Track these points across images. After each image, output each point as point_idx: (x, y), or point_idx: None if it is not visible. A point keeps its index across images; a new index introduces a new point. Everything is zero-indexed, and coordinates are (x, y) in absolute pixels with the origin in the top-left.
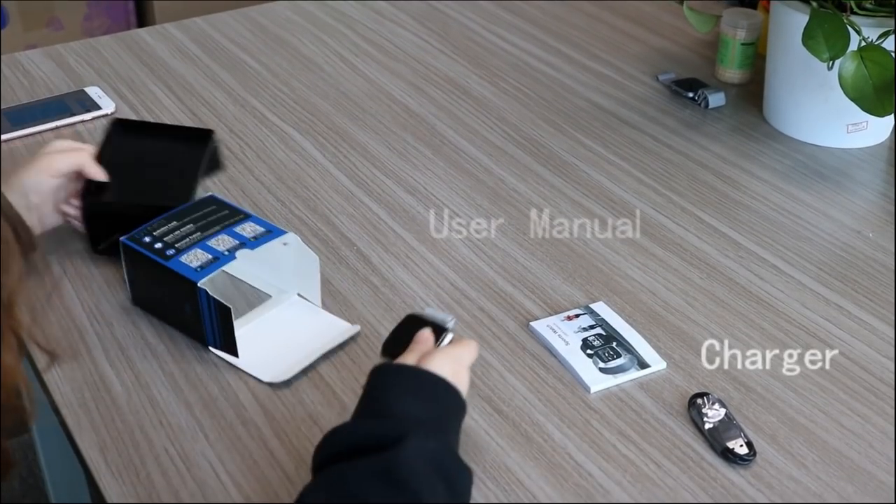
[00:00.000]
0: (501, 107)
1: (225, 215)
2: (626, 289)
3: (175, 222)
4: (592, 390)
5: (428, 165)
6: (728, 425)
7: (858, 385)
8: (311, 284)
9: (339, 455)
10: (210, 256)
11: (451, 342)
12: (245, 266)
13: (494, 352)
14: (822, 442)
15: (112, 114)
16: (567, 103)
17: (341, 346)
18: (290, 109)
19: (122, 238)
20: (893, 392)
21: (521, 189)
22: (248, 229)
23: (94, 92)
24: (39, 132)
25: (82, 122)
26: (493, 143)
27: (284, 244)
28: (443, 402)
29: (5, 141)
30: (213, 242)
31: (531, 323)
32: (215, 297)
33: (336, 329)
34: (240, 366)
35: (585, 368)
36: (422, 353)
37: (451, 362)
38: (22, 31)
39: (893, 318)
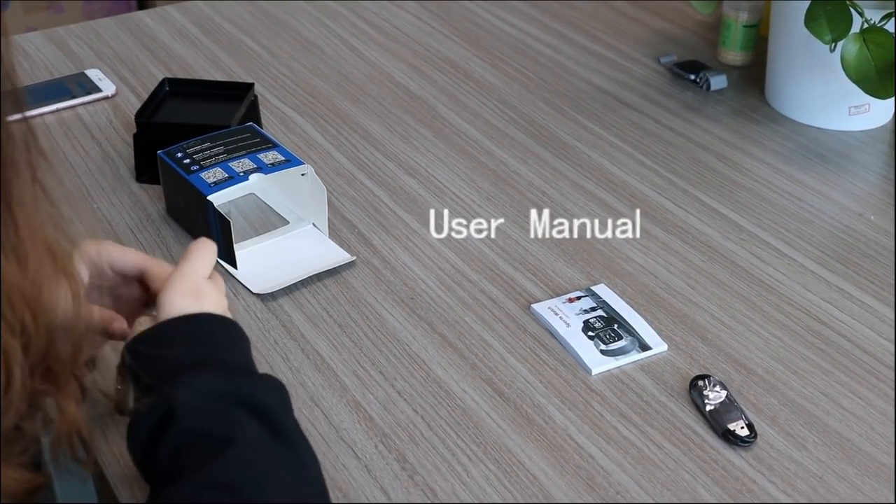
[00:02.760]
0: (503, 89)
1: (255, 143)
2: (627, 271)
3: (209, 143)
4: (594, 372)
5: (429, 148)
6: (729, 407)
7: (859, 367)
8: (322, 215)
9: (142, 456)
10: (226, 175)
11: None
12: (269, 192)
13: (495, 334)
14: (823, 424)
15: (113, 96)
16: (568, 85)
17: (331, 273)
18: (291, 92)
19: (159, 152)
20: (894, 374)
21: (523, 171)
22: (269, 157)
23: (94, 74)
24: (40, 114)
25: (83, 104)
26: (495, 125)
27: (302, 174)
28: (198, 341)
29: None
30: (234, 164)
31: (532, 305)
32: (220, 210)
33: (335, 257)
34: (236, 276)
35: (587, 350)
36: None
37: (185, 285)
38: (22, 14)
39: (894, 300)
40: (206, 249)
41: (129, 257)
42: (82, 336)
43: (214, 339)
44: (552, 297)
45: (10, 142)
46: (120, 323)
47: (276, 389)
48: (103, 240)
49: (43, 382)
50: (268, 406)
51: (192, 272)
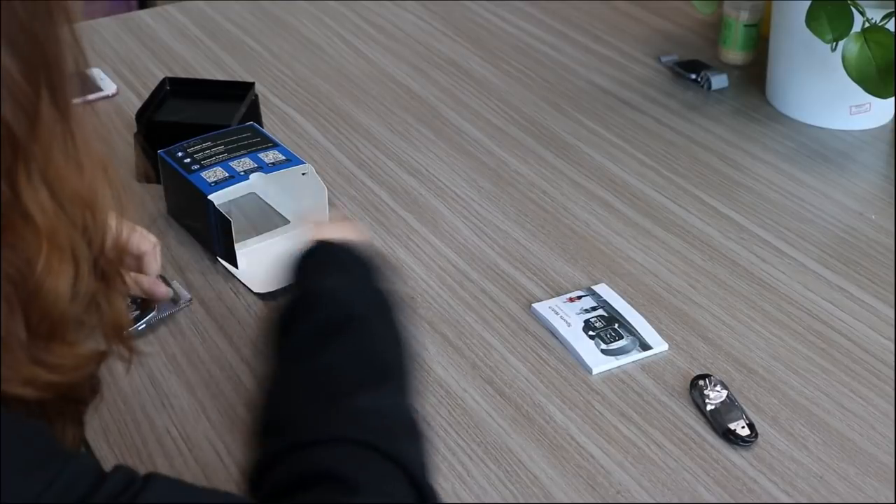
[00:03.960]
0: (503, 88)
1: (256, 142)
2: (628, 271)
3: (209, 143)
4: (594, 372)
5: (430, 147)
6: (730, 407)
7: (860, 367)
8: (322, 214)
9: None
10: (227, 174)
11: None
12: (270, 192)
13: (496, 333)
14: (824, 423)
15: (113, 95)
16: (569, 85)
17: None
18: (292, 91)
19: (159, 151)
20: (894, 374)
21: (523, 171)
22: (270, 156)
23: (95, 74)
24: None
25: (84, 103)
26: (495, 124)
27: (303, 174)
28: (353, 262)
29: None
30: (234, 164)
31: (533, 304)
32: (220, 210)
33: None
34: (236, 275)
35: (587, 350)
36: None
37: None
38: None
39: (894, 299)
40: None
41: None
42: (125, 240)
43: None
44: (553, 297)
45: (62, 50)
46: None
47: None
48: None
49: (95, 280)
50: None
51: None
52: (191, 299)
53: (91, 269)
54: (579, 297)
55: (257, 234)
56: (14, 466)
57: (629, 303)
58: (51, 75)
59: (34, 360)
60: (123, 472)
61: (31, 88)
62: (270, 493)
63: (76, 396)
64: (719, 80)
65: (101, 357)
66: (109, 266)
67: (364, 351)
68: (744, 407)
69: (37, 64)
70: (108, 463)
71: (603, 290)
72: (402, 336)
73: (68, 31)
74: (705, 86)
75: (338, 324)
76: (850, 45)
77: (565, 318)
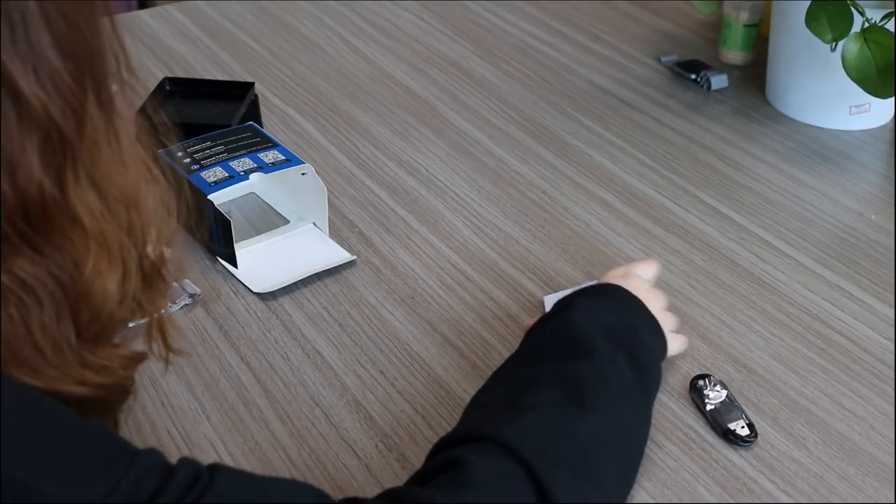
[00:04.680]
0: (503, 88)
1: (256, 142)
2: None
3: (209, 142)
4: None
5: (430, 147)
6: (729, 407)
7: (860, 367)
8: (322, 214)
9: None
10: (226, 175)
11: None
12: (269, 192)
13: (496, 333)
14: (824, 423)
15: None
16: (569, 85)
17: (332, 272)
18: (292, 91)
19: (159, 151)
20: (894, 374)
21: (523, 171)
22: (270, 156)
23: None
24: None
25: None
26: (495, 124)
27: (303, 174)
28: (619, 303)
29: None
30: (234, 164)
31: (545, 297)
32: (220, 210)
33: (335, 256)
34: (236, 275)
35: None
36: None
37: (626, 279)
38: None
39: (894, 299)
40: (653, 266)
41: None
42: (169, 240)
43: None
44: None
45: (104, 45)
46: None
47: (658, 355)
48: None
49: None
50: (642, 359)
51: (635, 273)
52: (201, 294)
53: (138, 269)
54: None
55: (257, 234)
56: (81, 467)
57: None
58: (95, 72)
59: (83, 363)
60: (189, 466)
61: (77, 87)
62: (421, 473)
63: (115, 397)
64: (719, 80)
65: (142, 358)
66: (152, 266)
67: (578, 378)
68: (744, 407)
69: (83, 61)
70: None
71: None
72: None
73: (109, 25)
74: (705, 86)
75: (575, 351)
76: (850, 45)
77: None
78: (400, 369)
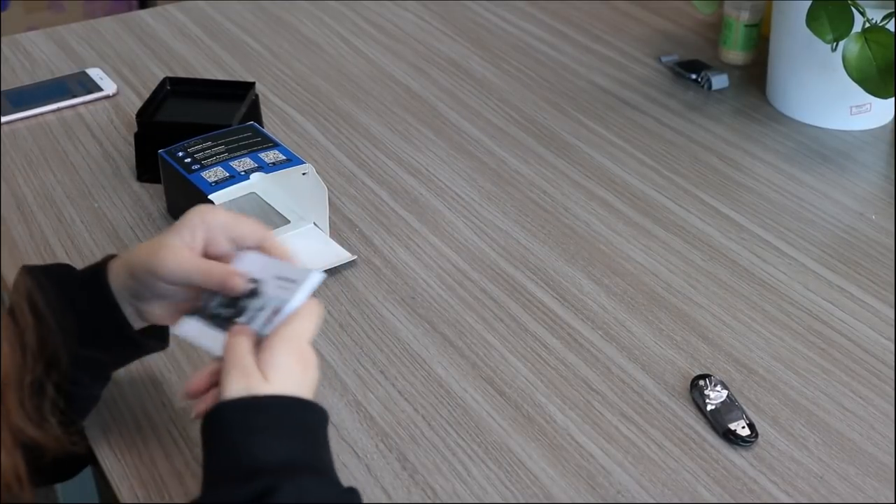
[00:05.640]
0: (503, 88)
1: (256, 142)
2: (628, 270)
3: (210, 142)
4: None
5: (430, 147)
6: (730, 407)
7: (860, 367)
8: (322, 214)
9: None
10: (227, 174)
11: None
12: (270, 191)
13: (496, 333)
14: (824, 424)
15: (114, 95)
16: (569, 85)
17: (332, 272)
18: (292, 91)
19: (160, 151)
20: (894, 374)
21: (524, 170)
22: (270, 156)
23: (95, 73)
24: (41, 114)
25: (84, 103)
26: (496, 124)
27: (303, 174)
28: (304, 429)
29: (6, 123)
30: (235, 163)
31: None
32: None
33: (335, 256)
34: None
35: None
36: (252, 357)
37: (291, 348)
38: (23, 13)
39: (894, 299)
40: (316, 311)
41: (250, 228)
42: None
43: (315, 437)
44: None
45: None
46: (238, 279)
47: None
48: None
49: None
50: None
51: (300, 335)
52: None
53: None
54: None
55: None
56: None
57: (628, 303)
58: None
59: None
60: None
61: None
62: None
63: None
64: (720, 80)
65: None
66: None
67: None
68: (744, 407)
69: None
70: (109, 462)
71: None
72: None
73: None
74: (705, 86)
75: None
76: (851, 45)
77: None
78: (400, 369)
